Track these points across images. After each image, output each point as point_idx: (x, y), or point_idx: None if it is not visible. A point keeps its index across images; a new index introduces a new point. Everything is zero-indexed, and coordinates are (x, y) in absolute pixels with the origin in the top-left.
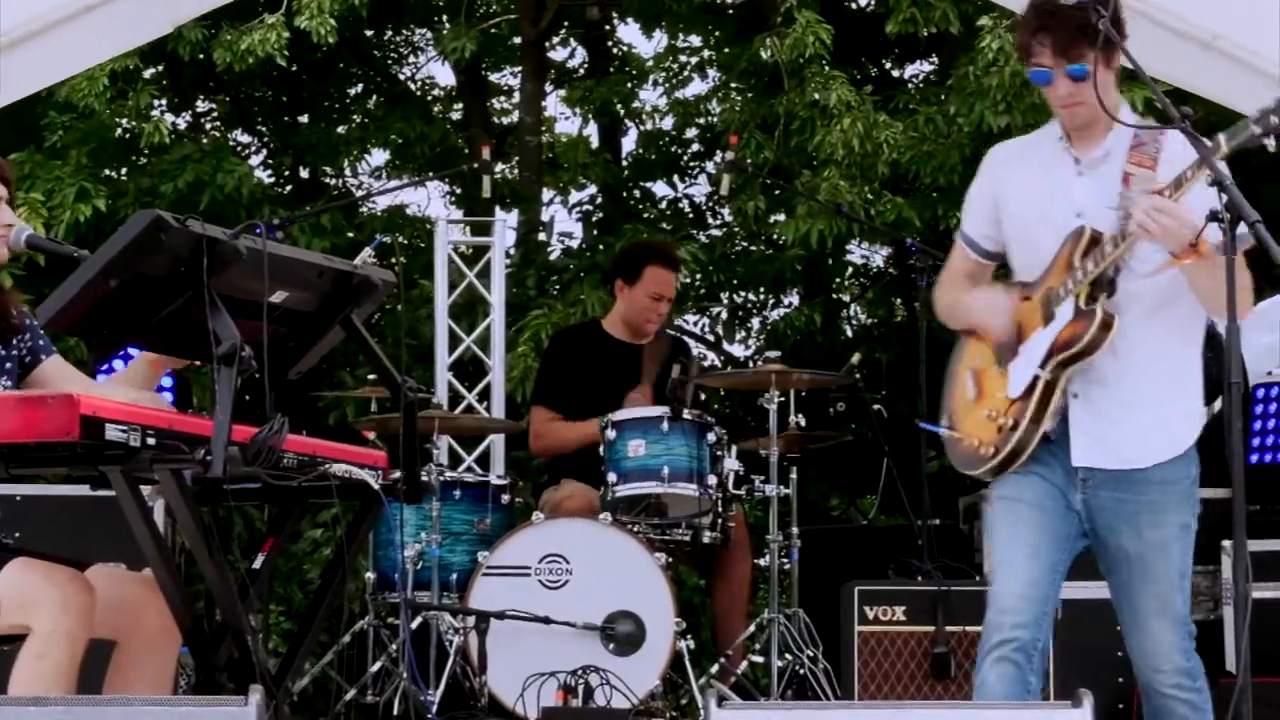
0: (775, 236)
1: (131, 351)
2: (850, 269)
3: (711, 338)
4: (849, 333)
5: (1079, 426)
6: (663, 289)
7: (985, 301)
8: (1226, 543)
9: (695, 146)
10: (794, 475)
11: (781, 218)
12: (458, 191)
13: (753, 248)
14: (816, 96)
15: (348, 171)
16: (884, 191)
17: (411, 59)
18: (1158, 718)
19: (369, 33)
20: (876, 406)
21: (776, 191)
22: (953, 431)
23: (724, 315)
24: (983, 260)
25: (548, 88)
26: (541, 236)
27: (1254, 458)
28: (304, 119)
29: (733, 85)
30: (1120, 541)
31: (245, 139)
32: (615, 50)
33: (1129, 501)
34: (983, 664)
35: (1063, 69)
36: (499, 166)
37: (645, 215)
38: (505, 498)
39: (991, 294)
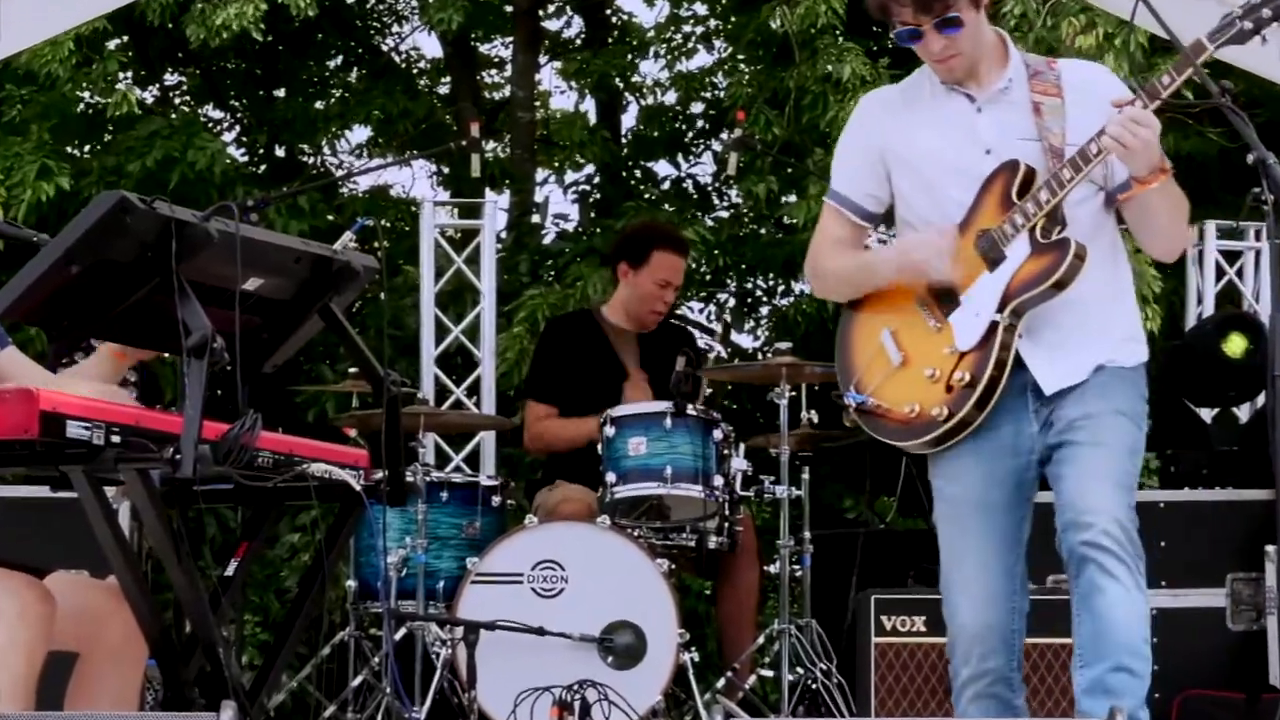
0: (787, 219)
1: (94, 343)
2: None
3: (718, 327)
4: None
5: (1037, 359)
6: (671, 275)
7: (928, 247)
8: (1270, 548)
9: (700, 123)
10: (806, 475)
11: (793, 199)
12: (445, 171)
13: (762, 230)
14: (829, 69)
15: (327, 150)
16: None
17: (395, 29)
18: (1085, 594)
19: (350, 0)
20: None
21: (788, 170)
22: (881, 402)
23: (731, 303)
24: (863, 224)
25: (542, 60)
26: (535, 219)
27: None
28: (280, 93)
29: (740, 57)
30: (1063, 414)
31: (217, 114)
32: (614, 19)
33: (1078, 396)
34: (960, 699)
35: (930, 24)
36: (489, 144)
37: (647, 196)
38: (496, 500)
39: (926, 237)
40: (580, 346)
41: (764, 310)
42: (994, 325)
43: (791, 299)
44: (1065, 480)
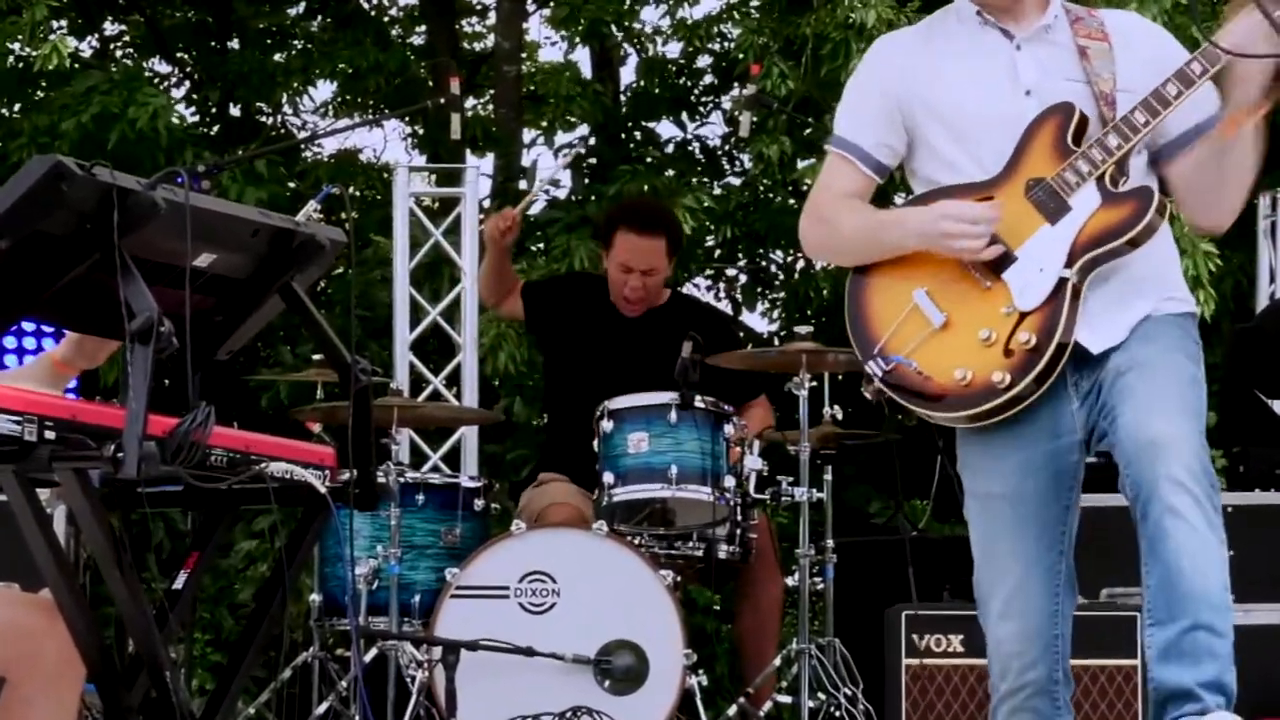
0: (805, 185)
1: (27, 333)
2: None
3: (728, 306)
4: None
5: (1081, 320)
6: (632, 259)
7: (964, 220)
8: None
9: (708, 78)
10: (829, 476)
11: (810, 162)
12: (420, 133)
13: (776, 197)
14: (851, 15)
15: (287, 108)
16: None
17: None
18: (1153, 538)
19: None
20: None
21: (807, 131)
22: (924, 369)
23: (742, 280)
24: (874, 176)
25: (529, 6)
26: (522, 185)
27: None
28: (234, 44)
29: (752, 3)
30: (1106, 371)
31: (164, 68)
32: None
33: (1122, 347)
34: (995, 716)
35: None
36: (470, 102)
37: (648, 160)
38: (479, 503)
39: (963, 208)
40: (578, 311)
41: (779, 288)
42: (1062, 283)
43: (810, 275)
44: (1122, 416)
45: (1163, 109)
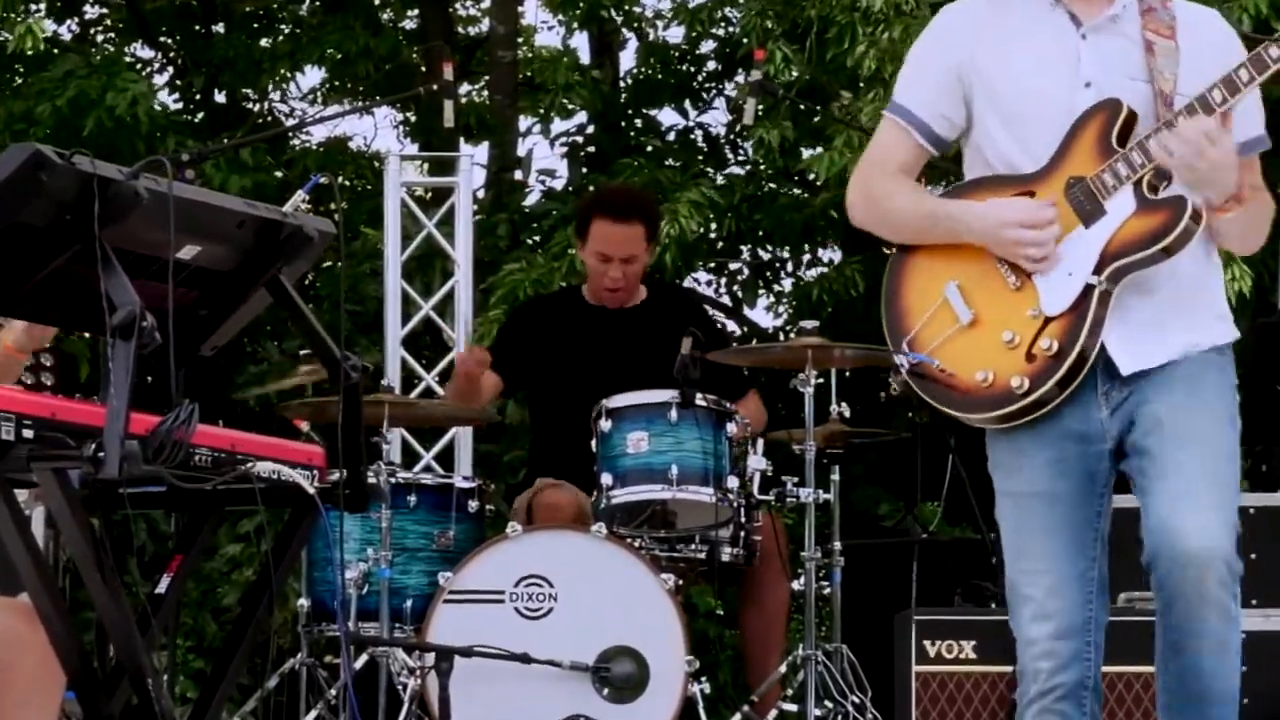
0: (811, 176)
1: None
2: None
3: (729, 300)
4: None
5: (1115, 334)
6: (608, 248)
7: (1032, 226)
8: None
9: (711, 64)
10: (836, 476)
11: (816, 151)
12: (413, 120)
13: (781, 190)
14: None
15: (274, 95)
16: None
17: None
18: (1174, 637)
19: None
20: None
21: (815, 119)
22: (945, 366)
23: (745, 273)
24: (931, 149)
25: None
26: (518, 176)
27: None
28: (219, 29)
29: None
30: (1144, 409)
31: (146, 53)
32: None
33: (1168, 380)
34: (1024, 718)
35: None
36: (464, 88)
37: (649, 149)
38: (473, 505)
39: (1029, 211)
40: (552, 331)
41: (785, 283)
42: (1088, 289)
43: (817, 271)
44: (1154, 495)
45: (1207, 114)
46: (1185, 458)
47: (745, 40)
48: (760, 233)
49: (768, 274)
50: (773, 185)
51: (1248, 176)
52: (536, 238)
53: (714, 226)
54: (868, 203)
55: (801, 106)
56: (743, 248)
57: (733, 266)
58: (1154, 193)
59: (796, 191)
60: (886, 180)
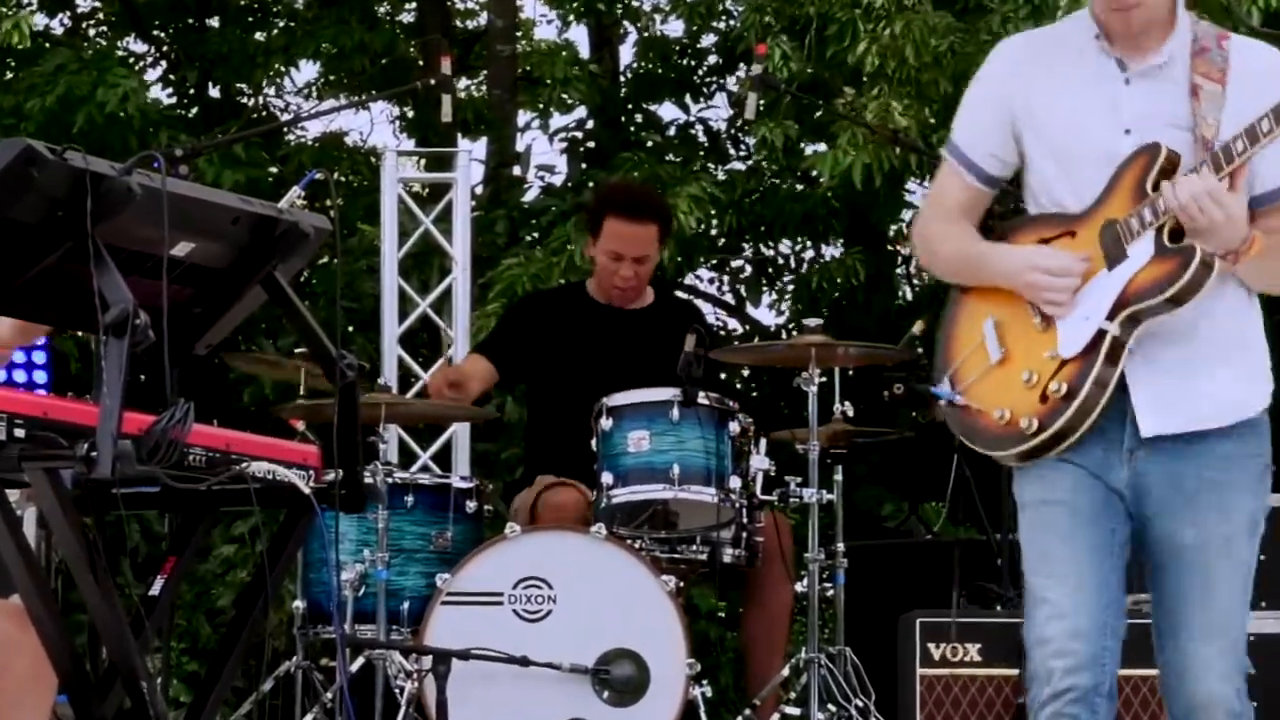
0: (815, 173)
1: None
2: (912, 212)
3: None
4: (908, 294)
5: (1142, 388)
6: (621, 246)
7: (1053, 275)
8: None
9: (712, 58)
10: (839, 477)
11: (819, 148)
12: (410, 115)
13: (782, 184)
14: None
15: (269, 89)
16: (947, 114)
17: None
18: None
19: None
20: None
21: (817, 114)
22: (969, 401)
23: (748, 270)
24: (984, 188)
25: None
26: (516, 171)
27: None
28: (214, 22)
29: None
30: (1174, 529)
31: (139, 47)
32: None
33: (1189, 477)
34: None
35: None
36: (462, 83)
37: (649, 144)
38: (471, 505)
39: (1058, 260)
40: (554, 327)
41: (789, 280)
42: (1100, 335)
43: (824, 265)
44: (1169, 645)
45: (1226, 164)
46: (1195, 600)
47: (746, 35)
48: (762, 227)
49: (770, 270)
50: (775, 180)
51: (1274, 221)
52: (535, 234)
53: (715, 222)
54: (923, 245)
55: (804, 101)
56: (745, 244)
57: (735, 264)
58: (1175, 240)
59: (800, 188)
60: (939, 223)
